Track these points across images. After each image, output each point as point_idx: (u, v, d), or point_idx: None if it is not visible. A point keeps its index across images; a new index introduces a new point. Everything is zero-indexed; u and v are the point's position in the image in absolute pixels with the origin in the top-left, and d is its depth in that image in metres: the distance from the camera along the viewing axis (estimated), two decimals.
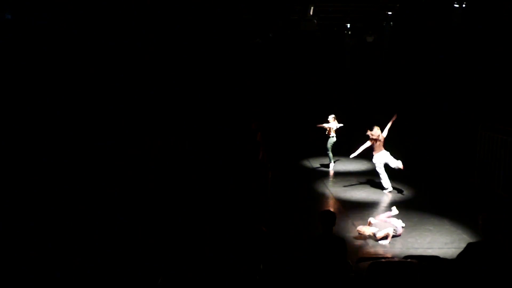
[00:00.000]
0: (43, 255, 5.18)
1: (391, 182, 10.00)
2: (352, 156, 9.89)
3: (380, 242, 6.96)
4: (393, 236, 7.08)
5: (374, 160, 9.70)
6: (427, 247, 6.90)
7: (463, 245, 4.30)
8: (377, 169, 9.72)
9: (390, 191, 9.72)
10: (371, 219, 7.46)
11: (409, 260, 4.63)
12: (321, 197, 9.69)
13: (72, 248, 6.39)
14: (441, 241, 7.12)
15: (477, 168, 10.28)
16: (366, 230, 7.14)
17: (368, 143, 9.67)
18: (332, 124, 11.86)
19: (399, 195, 9.74)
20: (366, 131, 9.64)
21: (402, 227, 7.36)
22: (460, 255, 4.19)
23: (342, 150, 12.05)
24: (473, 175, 10.39)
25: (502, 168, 9.32)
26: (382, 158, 9.55)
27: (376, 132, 9.53)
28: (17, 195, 8.59)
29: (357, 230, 7.19)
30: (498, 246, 4.04)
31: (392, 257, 5.21)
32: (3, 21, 8.88)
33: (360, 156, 12.56)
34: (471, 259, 4.08)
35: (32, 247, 6.48)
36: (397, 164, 9.41)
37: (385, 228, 7.06)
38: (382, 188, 9.91)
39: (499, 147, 9.46)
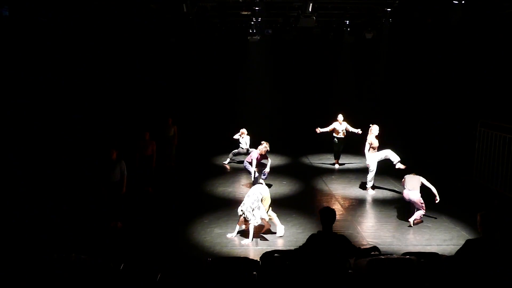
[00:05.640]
0: (40, 252, 5.17)
1: (390, 178, 9.98)
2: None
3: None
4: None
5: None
6: (426, 244, 6.91)
7: (461, 242, 4.30)
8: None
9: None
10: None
11: (407, 257, 4.64)
12: (320, 194, 9.69)
13: (71, 246, 6.40)
14: (439, 238, 7.13)
15: (476, 165, 10.28)
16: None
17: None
18: (343, 125, 11.74)
19: (398, 191, 9.74)
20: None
21: (410, 200, 7.66)
22: (459, 252, 4.19)
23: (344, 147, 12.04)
24: (472, 172, 10.39)
25: (501, 165, 9.32)
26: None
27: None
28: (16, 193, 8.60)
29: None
30: (496, 243, 4.05)
31: (391, 254, 5.20)
32: (0, 17, 8.84)
33: (359, 154, 12.63)
34: (470, 256, 4.08)
35: (29, 244, 6.49)
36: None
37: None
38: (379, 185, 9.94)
39: (498, 144, 9.46)
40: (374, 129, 9.38)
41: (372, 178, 9.60)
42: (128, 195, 7.91)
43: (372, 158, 9.37)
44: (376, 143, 9.35)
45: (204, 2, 11.71)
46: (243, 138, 12.17)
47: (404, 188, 7.76)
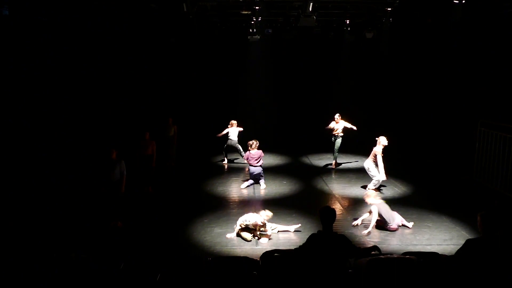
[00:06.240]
0: (40, 252, 5.17)
1: (390, 177, 10.00)
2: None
3: (363, 232, 7.13)
4: (384, 229, 7.26)
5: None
6: (426, 243, 6.91)
7: (461, 242, 4.30)
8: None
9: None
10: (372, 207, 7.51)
11: (407, 256, 4.63)
12: (320, 194, 9.69)
13: (71, 245, 6.40)
14: (440, 238, 7.13)
15: (476, 165, 10.28)
16: (371, 194, 7.44)
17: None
18: (340, 124, 11.67)
19: (398, 191, 9.75)
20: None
21: (399, 225, 7.43)
22: (459, 251, 4.19)
23: (344, 147, 12.02)
24: (472, 171, 10.39)
25: (501, 165, 9.32)
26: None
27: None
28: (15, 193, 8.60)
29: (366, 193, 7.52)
30: (496, 243, 4.05)
31: (391, 254, 5.21)
32: (0, 17, 8.83)
33: (359, 153, 12.62)
34: (470, 256, 4.08)
35: (29, 244, 6.49)
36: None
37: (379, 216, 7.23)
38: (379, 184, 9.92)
39: (498, 144, 9.46)
40: (383, 141, 9.26)
41: (375, 185, 9.58)
42: (128, 195, 7.92)
43: (374, 166, 9.39)
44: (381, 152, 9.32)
45: (204, 1, 11.69)
46: (232, 128, 12.03)
47: (388, 222, 7.35)
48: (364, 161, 9.77)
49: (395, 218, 7.36)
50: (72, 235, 6.92)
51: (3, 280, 4.35)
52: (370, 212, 7.39)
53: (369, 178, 9.78)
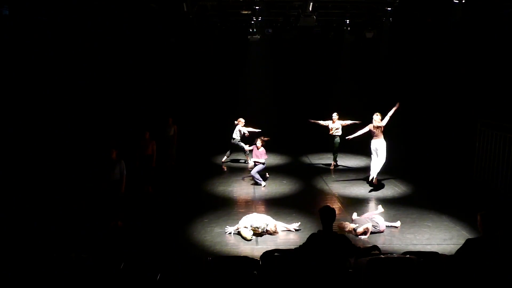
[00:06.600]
0: (40, 252, 5.17)
1: (390, 177, 9.98)
2: (348, 137, 9.85)
3: (359, 237, 7.04)
4: (374, 232, 7.18)
5: (371, 146, 9.68)
6: (426, 243, 6.91)
7: (462, 242, 4.30)
8: (372, 155, 9.70)
9: (369, 180, 9.72)
10: (353, 215, 7.63)
11: (407, 256, 4.64)
12: (320, 194, 9.69)
13: (71, 245, 6.40)
14: (440, 238, 7.13)
15: (476, 164, 10.28)
16: (346, 225, 7.23)
17: (366, 129, 9.58)
18: (336, 123, 11.63)
19: (398, 191, 9.75)
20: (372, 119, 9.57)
21: (387, 226, 7.44)
22: (459, 251, 4.19)
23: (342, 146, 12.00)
24: (472, 171, 10.39)
25: (501, 165, 9.32)
26: (376, 145, 9.54)
27: (376, 119, 9.50)
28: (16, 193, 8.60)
29: (337, 225, 7.12)
30: (496, 243, 4.05)
31: (391, 253, 5.21)
32: (0, 16, 8.84)
33: (360, 153, 12.62)
34: (470, 256, 4.08)
35: (29, 244, 6.49)
36: (378, 165, 9.50)
37: (365, 224, 7.16)
38: (379, 183, 9.91)
39: (498, 143, 9.46)
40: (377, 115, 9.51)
41: (376, 168, 9.53)
42: (128, 194, 7.91)
43: (384, 148, 9.43)
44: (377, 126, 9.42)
45: (204, 1, 11.71)
46: (237, 126, 12.01)
47: (377, 224, 7.33)
48: (365, 159, 9.78)
49: (378, 222, 7.35)
50: (72, 235, 6.92)
51: (3, 280, 4.35)
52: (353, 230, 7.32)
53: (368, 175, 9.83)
